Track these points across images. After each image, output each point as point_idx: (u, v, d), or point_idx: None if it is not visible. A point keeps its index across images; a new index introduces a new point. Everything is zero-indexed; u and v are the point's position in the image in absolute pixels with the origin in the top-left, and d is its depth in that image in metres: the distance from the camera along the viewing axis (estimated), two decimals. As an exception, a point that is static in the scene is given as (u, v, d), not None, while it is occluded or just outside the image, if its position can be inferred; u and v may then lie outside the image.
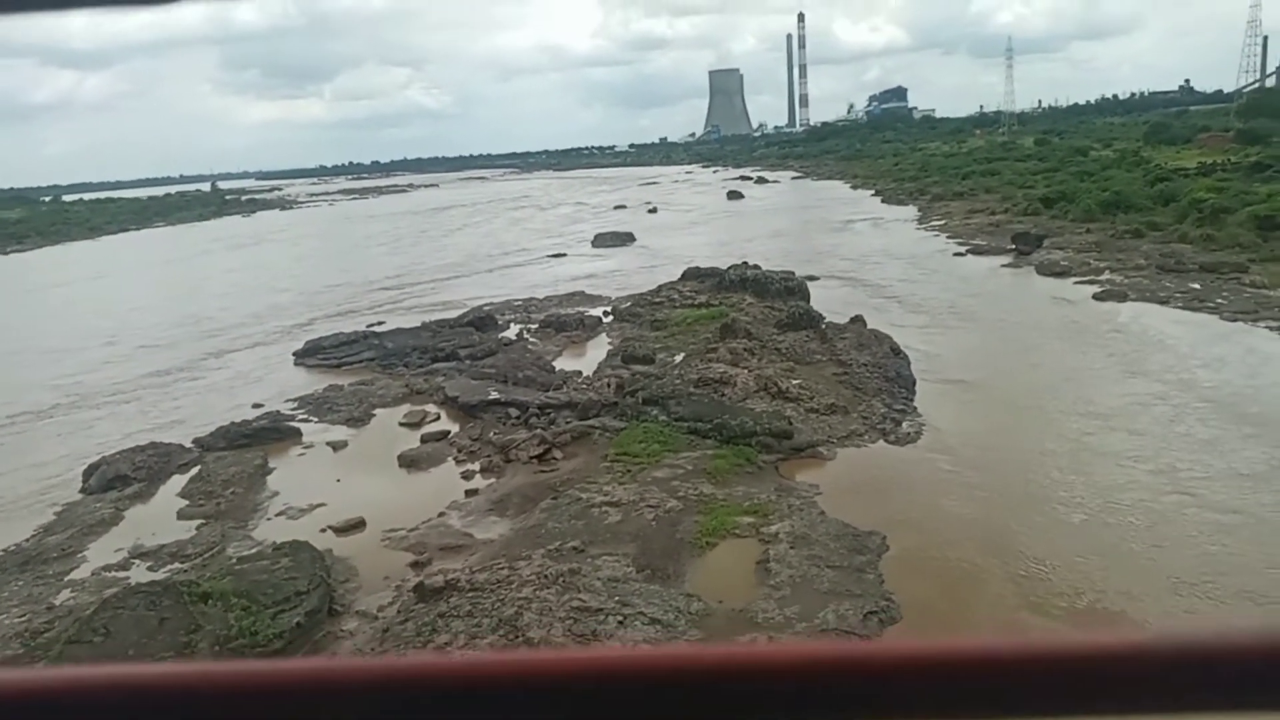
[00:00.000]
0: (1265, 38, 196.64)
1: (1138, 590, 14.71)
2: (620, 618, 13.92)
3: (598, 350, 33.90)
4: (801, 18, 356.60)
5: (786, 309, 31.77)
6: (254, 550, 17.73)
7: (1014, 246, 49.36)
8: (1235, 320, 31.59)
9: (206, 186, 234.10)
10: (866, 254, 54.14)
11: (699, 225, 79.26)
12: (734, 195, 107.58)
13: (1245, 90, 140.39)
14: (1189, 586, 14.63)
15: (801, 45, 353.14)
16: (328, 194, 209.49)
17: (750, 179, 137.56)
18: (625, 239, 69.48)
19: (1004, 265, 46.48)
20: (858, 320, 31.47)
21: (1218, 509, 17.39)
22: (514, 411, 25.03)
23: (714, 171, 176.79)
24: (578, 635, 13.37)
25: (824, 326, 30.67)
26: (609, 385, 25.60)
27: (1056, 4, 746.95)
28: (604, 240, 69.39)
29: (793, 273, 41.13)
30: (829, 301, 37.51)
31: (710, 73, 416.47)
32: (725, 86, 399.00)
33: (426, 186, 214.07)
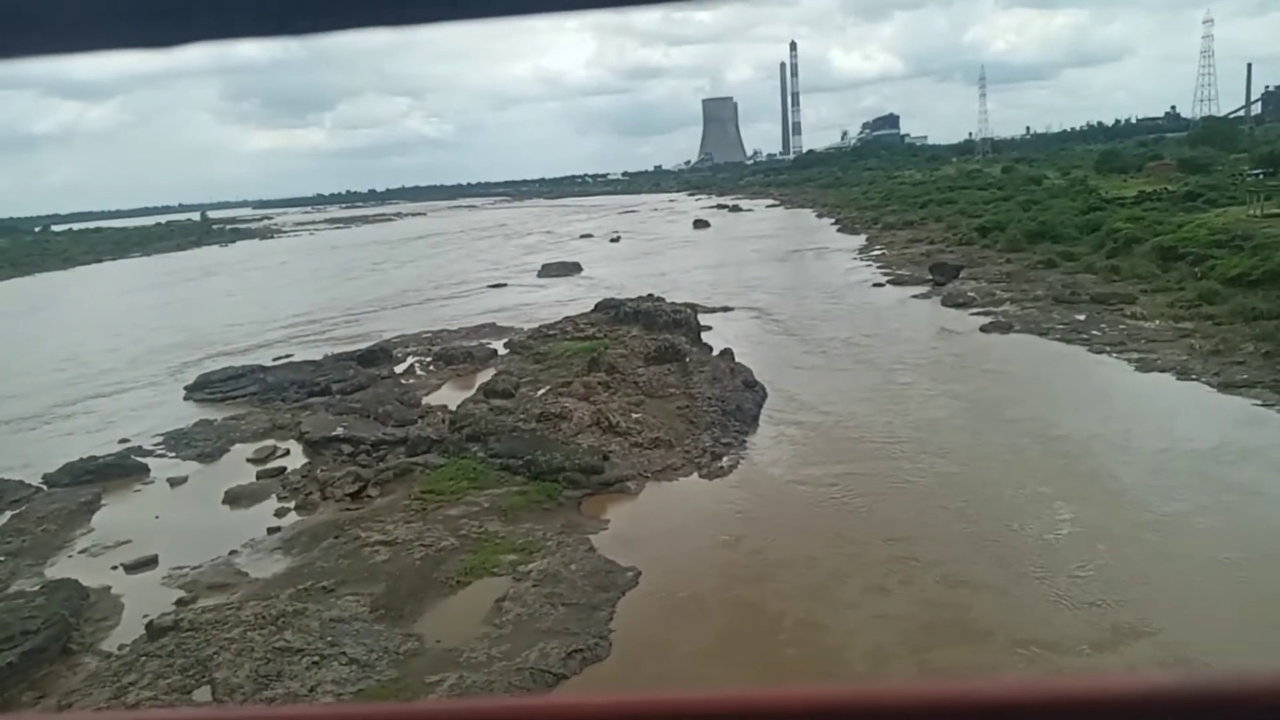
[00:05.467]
0: (1250, 65, 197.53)
1: (843, 652, 14.47)
2: (318, 658, 14.15)
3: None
4: (793, 46, 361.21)
5: (655, 343, 32.02)
6: (18, 588, 17.99)
7: (931, 277, 49.78)
8: (1102, 353, 31.78)
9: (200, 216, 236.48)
10: (794, 285, 54.54)
11: (651, 255, 79.80)
12: (700, 224, 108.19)
13: (1201, 119, 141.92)
14: (883, 658, 14.27)
15: (794, 74, 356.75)
16: (314, 223, 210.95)
17: (726, 207, 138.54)
18: (571, 269, 70.19)
19: (915, 296, 46.75)
20: (726, 354, 31.76)
21: (980, 589, 16.20)
22: (346, 448, 25.30)
23: (696, 199, 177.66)
24: (262, 676, 13.58)
25: (688, 359, 30.94)
26: (444, 421, 25.87)
27: (1048, 32, 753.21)
28: (550, 270, 70.08)
29: (692, 305, 41.58)
30: (730, 336, 37.78)
31: (704, 101, 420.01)
32: (719, 115, 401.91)
33: (413, 215, 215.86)
